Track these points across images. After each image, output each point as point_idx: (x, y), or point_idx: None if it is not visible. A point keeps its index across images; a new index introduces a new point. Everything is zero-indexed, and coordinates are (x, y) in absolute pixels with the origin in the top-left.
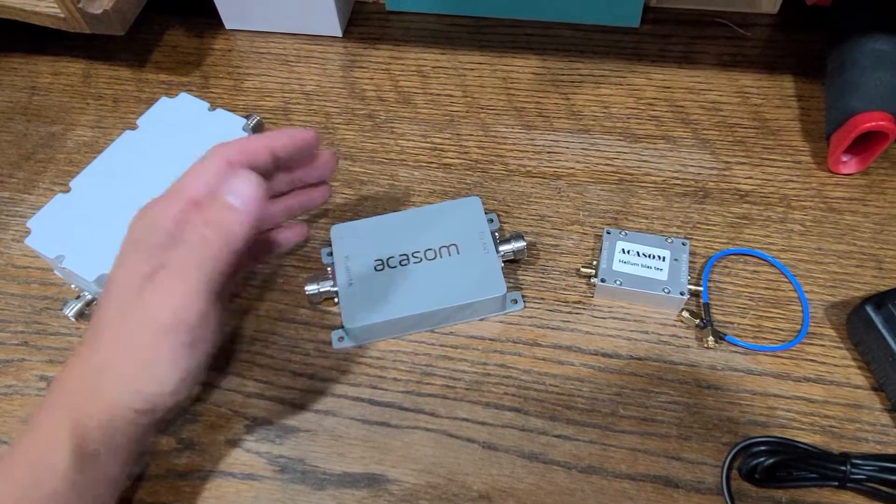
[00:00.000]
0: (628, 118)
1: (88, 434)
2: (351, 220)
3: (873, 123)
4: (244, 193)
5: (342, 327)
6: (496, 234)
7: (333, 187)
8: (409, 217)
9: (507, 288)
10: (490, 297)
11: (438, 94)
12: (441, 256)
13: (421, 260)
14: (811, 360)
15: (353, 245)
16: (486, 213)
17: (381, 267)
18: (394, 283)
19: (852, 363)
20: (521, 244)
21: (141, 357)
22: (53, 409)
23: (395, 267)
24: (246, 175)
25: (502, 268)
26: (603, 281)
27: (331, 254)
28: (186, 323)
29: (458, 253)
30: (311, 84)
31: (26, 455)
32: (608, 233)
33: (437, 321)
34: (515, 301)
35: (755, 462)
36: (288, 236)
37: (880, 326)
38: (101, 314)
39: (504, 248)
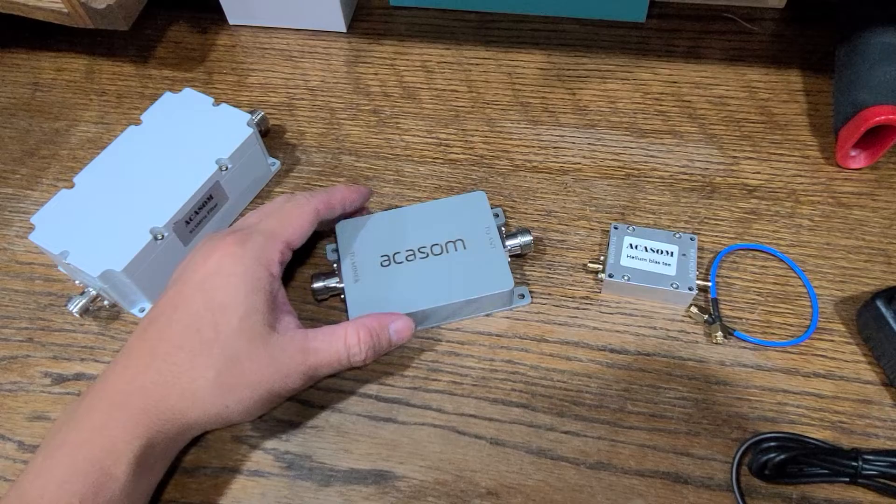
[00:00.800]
0: (635, 113)
1: (154, 449)
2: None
3: (883, 117)
4: (403, 333)
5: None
6: (503, 228)
7: (338, 182)
8: (415, 212)
9: (514, 282)
10: (497, 293)
11: (443, 90)
12: (447, 252)
13: (427, 255)
14: (821, 356)
15: (359, 241)
16: (492, 209)
17: (387, 263)
18: (400, 279)
19: (862, 358)
20: (527, 238)
21: (251, 396)
22: (124, 423)
23: (401, 263)
24: (409, 323)
25: (509, 262)
26: (610, 276)
27: (336, 250)
28: (292, 394)
29: (465, 248)
30: (316, 79)
31: (84, 463)
32: (615, 228)
33: (444, 317)
34: (522, 296)
35: (765, 458)
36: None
37: (891, 321)
38: (202, 341)
39: (511, 242)
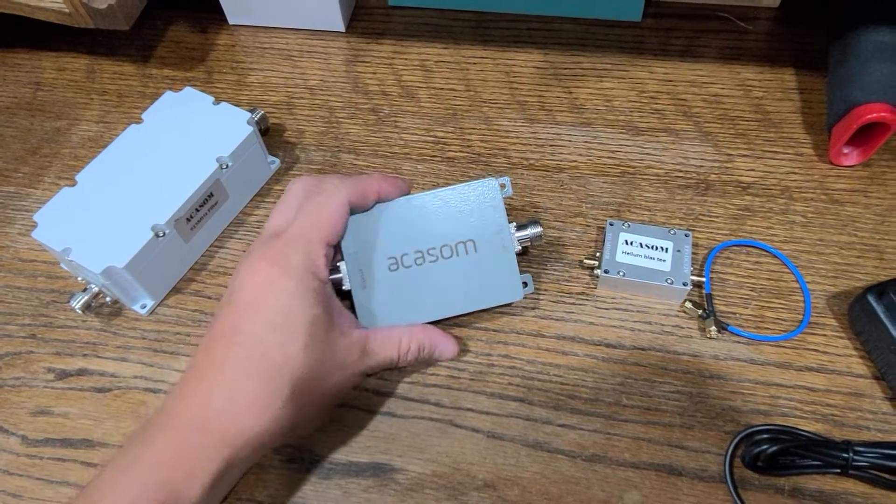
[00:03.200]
0: (631, 111)
1: (232, 471)
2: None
3: (875, 115)
4: (446, 355)
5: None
6: (513, 226)
7: None
8: (424, 203)
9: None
10: (507, 302)
11: (441, 89)
12: (457, 254)
13: (437, 259)
14: (813, 350)
15: (365, 238)
16: (498, 179)
17: (395, 267)
18: (409, 285)
19: (854, 352)
20: (537, 230)
21: (308, 418)
22: (205, 448)
23: (409, 267)
24: (451, 341)
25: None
26: (606, 272)
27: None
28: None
29: (476, 251)
30: (315, 79)
31: (162, 482)
32: (611, 224)
33: (451, 318)
34: (526, 284)
35: (758, 450)
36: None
37: (882, 315)
38: (270, 358)
39: (521, 234)
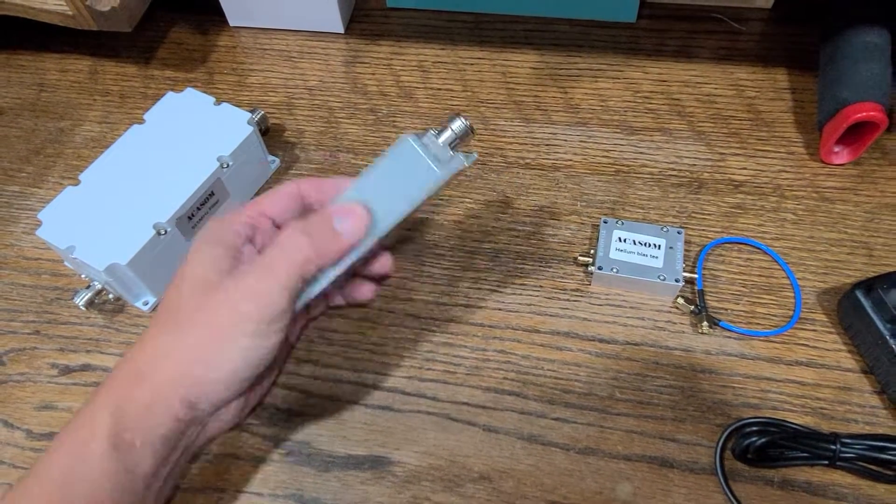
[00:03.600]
0: (625, 111)
1: (126, 420)
2: None
3: (864, 114)
4: (351, 225)
5: None
6: (433, 130)
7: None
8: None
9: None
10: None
11: (439, 89)
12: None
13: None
14: (803, 345)
15: None
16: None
17: None
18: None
19: (843, 347)
20: (459, 123)
21: (208, 341)
22: (97, 393)
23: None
24: (360, 211)
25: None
26: (600, 269)
27: None
28: (265, 314)
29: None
30: (314, 79)
31: (68, 438)
32: (605, 222)
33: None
34: (469, 153)
35: (747, 442)
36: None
37: (870, 311)
38: (168, 305)
39: (444, 137)
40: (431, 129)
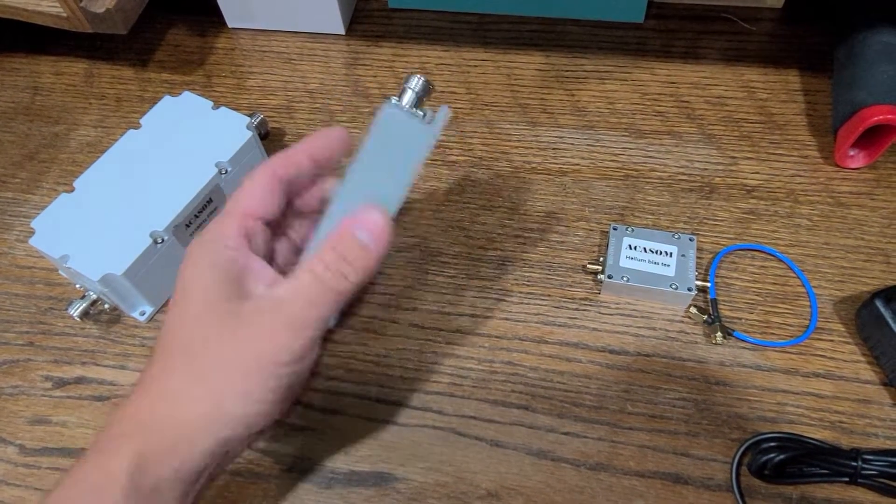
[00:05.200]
0: (633, 114)
1: (150, 468)
2: None
3: (881, 117)
4: (376, 235)
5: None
6: (394, 97)
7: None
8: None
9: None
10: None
11: (442, 92)
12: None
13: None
14: (820, 356)
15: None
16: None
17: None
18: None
19: (861, 358)
20: (415, 81)
21: (239, 378)
22: (114, 440)
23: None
24: (377, 217)
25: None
26: (610, 277)
27: None
28: (303, 347)
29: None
30: (315, 82)
31: (78, 486)
32: (614, 229)
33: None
34: (436, 109)
35: (765, 458)
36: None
37: (890, 321)
38: (175, 338)
39: (407, 98)
40: (391, 97)
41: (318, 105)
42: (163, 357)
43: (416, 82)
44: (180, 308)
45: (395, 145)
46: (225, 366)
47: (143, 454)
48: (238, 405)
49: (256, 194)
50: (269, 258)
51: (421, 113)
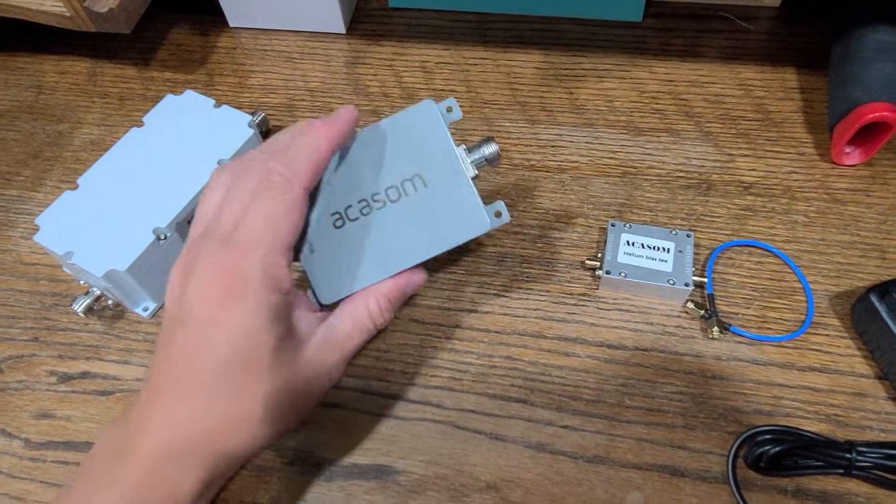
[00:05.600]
0: (632, 112)
1: (210, 488)
2: None
3: (876, 114)
4: (418, 280)
5: (317, 300)
6: (463, 147)
7: None
8: (360, 145)
9: (485, 200)
10: (475, 235)
11: (442, 90)
12: (406, 194)
13: (384, 204)
14: (816, 350)
15: None
16: (443, 102)
17: (340, 223)
18: (361, 239)
19: (857, 352)
20: (492, 148)
21: (291, 418)
22: (184, 468)
23: (356, 219)
24: (421, 275)
25: (477, 192)
26: (608, 273)
27: None
28: (332, 383)
29: (425, 186)
30: (316, 81)
31: (147, 496)
32: (612, 225)
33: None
34: (499, 214)
35: (760, 451)
36: None
37: (885, 315)
38: (230, 370)
39: (474, 157)
40: (462, 144)
41: (318, 104)
42: (234, 398)
43: (491, 150)
44: (248, 357)
45: (450, 210)
46: (296, 408)
47: (211, 481)
48: (298, 425)
49: (296, 222)
50: None
51: (466, 154)
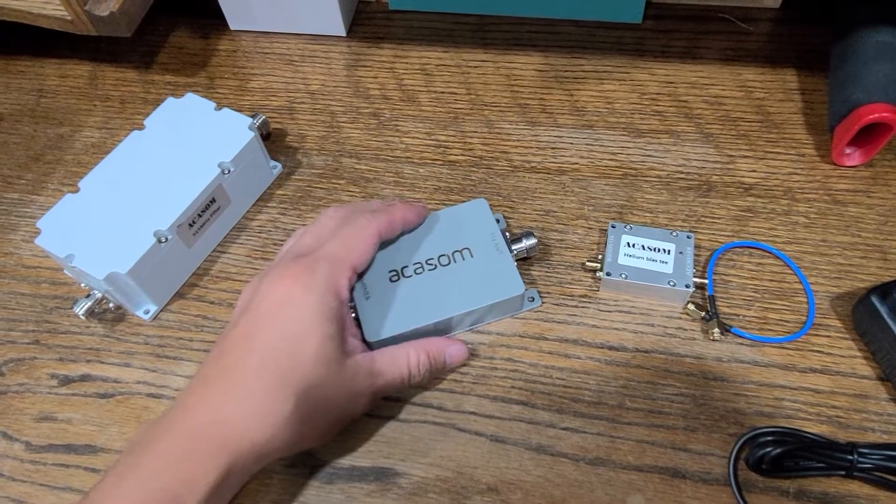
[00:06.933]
0: (632, 113)
1: (231, 479)
2: None
3: (877, 115)
4: (456, 357)
5: (363, 340)
6: (506, 234)
7: (339, 185)
8: (421, 226)
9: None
10: (509, 298)
11: (442, 92)
12: (455, 261)
13: (435, 267)
14: (817, 351)
15: None
16: (493, 213)
17: (395, 278)
18: (411, 292)
19: (858, 354)
20: (532, 241)
21: (326, 424)
22: (204, 455)
23: (409, 276)
24: (459, 344)
25: (517, 267)
26: (608, 275)
27: None
28: (361, 413)
29: (472, 256)
30: (316, 83)
31: (162, 489)
32: (613, 227)
33: (458, 327)
34: (532, 299)
35: (762, 452)
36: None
37: (886, 317)
38: (279, 370)
39: (517, 246)
40: (508, 234)
41: (319, 106)
42: (255, 379)
43: (531, 241)
44: (288, 342)
45: (491, 276)
46: (322, 411)
47: (230, 473)
48: (311, 442)
49: (367, 252)
50: None
51: (512, 251)
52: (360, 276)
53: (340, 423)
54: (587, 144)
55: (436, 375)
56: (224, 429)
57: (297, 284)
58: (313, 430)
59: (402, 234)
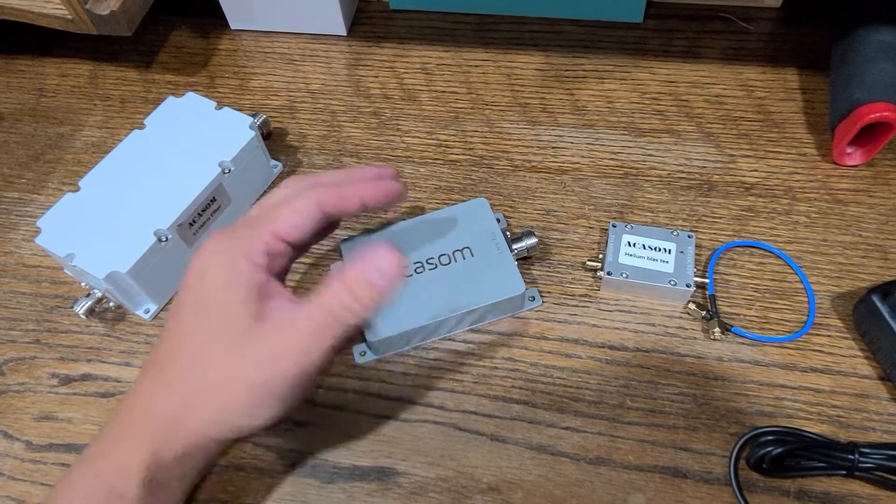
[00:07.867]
0: (633, 113)
1: (163, 465)
2: (362, 226)
3: (878, 114)
4: (388, 273)
5: (364, 341)
6: (507, 233)
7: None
8: (419, 225)
9: (525, 285)
10: (509, 297)
11: (443, 92)
12: (456, 261)
13: (436, 266)
14: (818, 351)
15: None
16: (493, 213)
17: None
18: (412, 291)
19: (859, 353)
20: (532, 241)
21: (248, 393)
22: (128, 438)
23: (410, 275)
24: (390, 254)
25: (517, 266)
26: (609, 274)
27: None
28: (307, 371)
29: (473, 256)
30: (317, 83)
31: (95, 482)
32: (614, 226)
33: (458, 326)
34: (533, 298)
35: (763, 452)
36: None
37: (887, 316)
38: (192, 343)
39: (517, 246)
40: (509, 233)
41: (320, 105)
42: (175, 358)
43: (532, 241)
44: (198, 315)
45: (492, 275)
46: (237, 382)
47: (159, 454)
48: (245, 418)
49: (295, 222)
50: (285, 272)
51: (513, 250)
52: (301, 249)
53: (294, 385)
54: (588, 144)
55: (379, 298)
56: (144, 408)
57: (210, 252)
58: (245, 402)
59: (368, 209)
